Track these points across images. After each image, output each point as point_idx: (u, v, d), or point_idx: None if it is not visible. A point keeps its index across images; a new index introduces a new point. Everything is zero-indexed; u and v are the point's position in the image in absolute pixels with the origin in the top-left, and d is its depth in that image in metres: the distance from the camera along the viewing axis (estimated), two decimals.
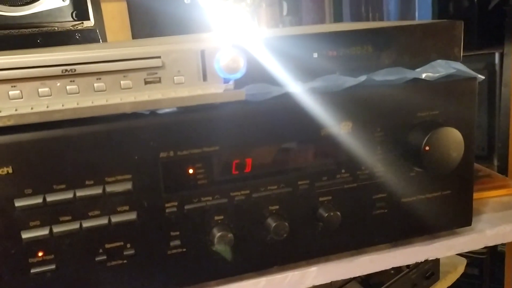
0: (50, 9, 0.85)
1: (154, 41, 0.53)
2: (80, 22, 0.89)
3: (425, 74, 0.46)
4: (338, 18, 1.68)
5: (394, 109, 0.45)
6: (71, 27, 0.88)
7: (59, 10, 0.87)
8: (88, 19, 0.90)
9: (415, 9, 1.48)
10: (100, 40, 0.90)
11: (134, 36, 1.22)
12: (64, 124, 0.37)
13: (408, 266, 0.65)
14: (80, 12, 0.89)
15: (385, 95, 0.45)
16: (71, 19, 0.89)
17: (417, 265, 0.66)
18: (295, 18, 1.82)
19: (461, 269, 0.78)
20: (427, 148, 0.44)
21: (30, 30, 0.83)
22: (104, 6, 0.98)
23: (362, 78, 0.44)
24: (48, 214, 0.38)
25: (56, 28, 0.86)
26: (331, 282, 0.50)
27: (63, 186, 0.38)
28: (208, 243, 0.43)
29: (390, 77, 0.44)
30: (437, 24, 0.47)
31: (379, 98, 0.45)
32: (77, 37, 0.88)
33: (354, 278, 0.62)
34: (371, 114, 0.44)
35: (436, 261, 0.69)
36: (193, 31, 1.07)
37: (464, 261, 0.79)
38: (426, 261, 0.68)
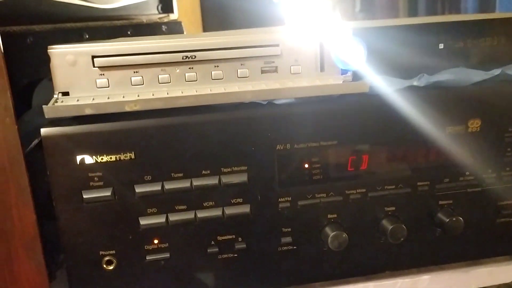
0: (138, 2, 0.87)
1: (270, 29, 0.52)
2: (166, 14, 0.91)
3: None
4: (412, 15, 1.60)
5: None
6: (157, 20, 0.89)
7: (145, 3, 0.89)
8: (172, 12, 0.91)
9: (495, 6, 1.39)
10: (185, 32, 0.91)
11: (205, 31, 1.23)
12: (183, 112, 0.37)
13: None
14: (164, 5, 0.90)
15: None
16: (156, 12, 0.90)
17: None
18: (368, 14, 1.76)
19: None
20: None
21: (121, 22, 0.85)
22: (177, 1, 0.99)
23: (496, 71, 0.40)
24: (165, 202, 0.37)
25: (144, 20, 0.88)
26: None
27: (180, 175, 0.37)
28: (319, 242, 0.41)
29: None
30: None
31: None
32: (164, 29, 0.89)
33: None
34: (503, 112, 0.40)
35: None
36: (267, 27, 1.06)
37: None
38: None
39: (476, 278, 0.45)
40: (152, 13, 0.89)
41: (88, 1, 0.78)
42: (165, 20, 0.89)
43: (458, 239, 0.43)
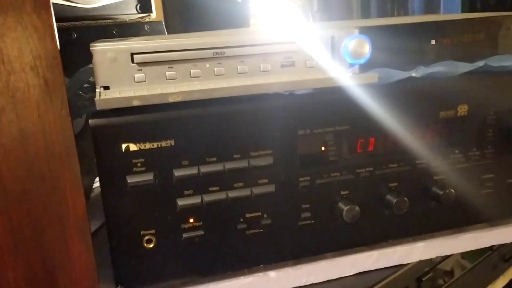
0: (117, 2, 0.89)
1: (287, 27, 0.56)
2: (147, 14, 0.93)
3: None
4: (365, 14, 1.70)
5: (506, 93, 0.48)
6: (140, 19, 0.92)
7: (125, 2, 0.91)
8: (151, 11, 0.94)
9: (440, 6, 1.50)
10: (166, 32, 0.94)
11: (168, 30, 1.25)
12: (215, 104, 0.41)
13: (491, 248, 0.67)
14: (143, 5, 0.93)
15: (498, 80, 0.47)
16: (135, 12, 0.92)
17: (498, 247, 0.68)
18: (325, 14, 1.85)
19: None
20: None
21: (106, 21, 0.87)
22: None
23: (480, 63, 0.46)
24: (200, 184, 0.41)
25: (127, 20, 0.90)
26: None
27: (214, 159, 0.41)
28: (333, 216, 0.46)
29: (505, 63, 0.47)
30: None
31: (493, 82, 0.47)
32: (146, 29, 0.92)
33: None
34: (486, 98, 0.47)
35: None
36: (230, 27, 1.10)
37: None
38: (505, 244, 0.70)
39: (463, 243, 0.52)
40: (132, 12, 0.91)
41: (70, 1, 0.80)
42: (147, 20, 0.92)
43: (448, 210, 0.49)
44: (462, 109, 0.47)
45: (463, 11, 1.30)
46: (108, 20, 0.87)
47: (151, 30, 0.91)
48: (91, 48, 0.39)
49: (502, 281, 0.72)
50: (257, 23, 1.39)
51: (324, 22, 0.73)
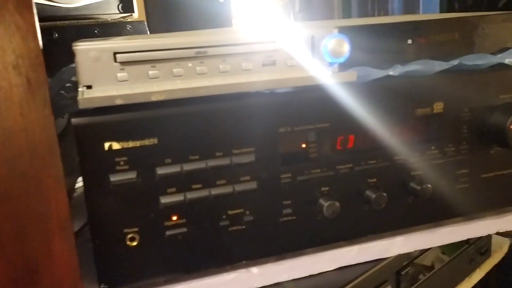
0: (99, 2, 0.89)
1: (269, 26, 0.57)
2: (130, 14, 0.93)
3: (508, 59, 0.50)
4: (346, 15, 1.73)
5: (480, 91, 0.49)
6: (121, 19, 0.92)
7: (106, 2, 0.91)
8: (133, 11, 0.94)
9: (419, 7, 1.53)
10: (148, 32, 0.94)
11: (150, 29, 1.25)
12: (198, 102, 0.41)
13: (467, 242, 0.69)
14: (125, 5, 0.93)
15: (472, 78, 0.49)
16: (117, 12, 0.92)
17: (474, 241, 0.70)
18: (307, 14, 1.87)
19: (505, 249, 0.83)
20: (511, 127, 0.48)
21: (88, 21, 0.87)
22: None
23: (454, 62, 0.48)
24: (183, 182, 0.42)
25: (109, 20, 0.90)
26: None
27: (197, 157, 0.42)
28: (314, 212, 0.47)
29: (478, 61, 0.49)
30: None
31: (467, 80, 0.49)
32: (128, 28, 0.92)
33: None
34: (461, 95, 0.49)
35: (489, 239, 0.74)
36: (212, 27, 1.11)
37: (507, 242, 0.84)
38: (481, 238, 0.72)
39: (440, 236, 0.54)
40: (113, 12, 0.91)
41: (51, 1, 0.79)
42: (129, 19, 0.92)
43: (425, 204, 0.51)
44: (438, 107, 0.48)
45: (442, 11, 1.33)
46: (90, 20, 0.87)
47: (133, 30, 0.91)
48: (73, 48, 0.39)
49: (479, 274, 0.74)
50: (239, 23, 1.40)
51: (305, 22, 0.74)
